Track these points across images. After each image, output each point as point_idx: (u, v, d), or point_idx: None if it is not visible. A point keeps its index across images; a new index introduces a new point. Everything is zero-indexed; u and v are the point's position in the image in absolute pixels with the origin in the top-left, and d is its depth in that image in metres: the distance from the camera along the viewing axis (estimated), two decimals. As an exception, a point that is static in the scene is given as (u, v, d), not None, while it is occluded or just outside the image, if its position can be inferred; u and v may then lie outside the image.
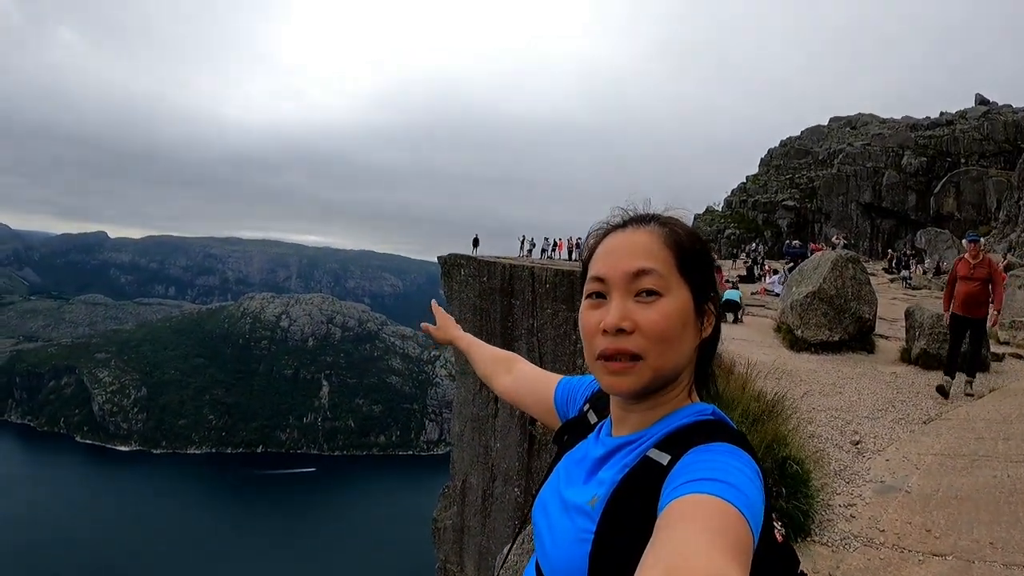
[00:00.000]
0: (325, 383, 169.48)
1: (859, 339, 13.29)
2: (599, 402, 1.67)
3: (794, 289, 14.03)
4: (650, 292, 1.34)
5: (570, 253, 40.94)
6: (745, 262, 32.17)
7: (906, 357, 12.32)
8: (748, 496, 1.12)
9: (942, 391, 9.45)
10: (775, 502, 4.81)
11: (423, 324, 2.57)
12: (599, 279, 1.40)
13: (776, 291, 20.05)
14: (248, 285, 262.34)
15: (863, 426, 7.76)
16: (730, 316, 17.05)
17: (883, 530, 5.08)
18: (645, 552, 1.06)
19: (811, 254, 22.88)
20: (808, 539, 5.00)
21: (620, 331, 1.33)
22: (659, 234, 1.40)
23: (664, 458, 1.29)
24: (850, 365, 11.91)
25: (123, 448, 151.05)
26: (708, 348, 1.45)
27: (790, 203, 63.49)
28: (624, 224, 1.46)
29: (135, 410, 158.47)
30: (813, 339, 13.06)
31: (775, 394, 6.96)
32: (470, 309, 39.70)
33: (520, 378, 2.16)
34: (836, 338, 12.96)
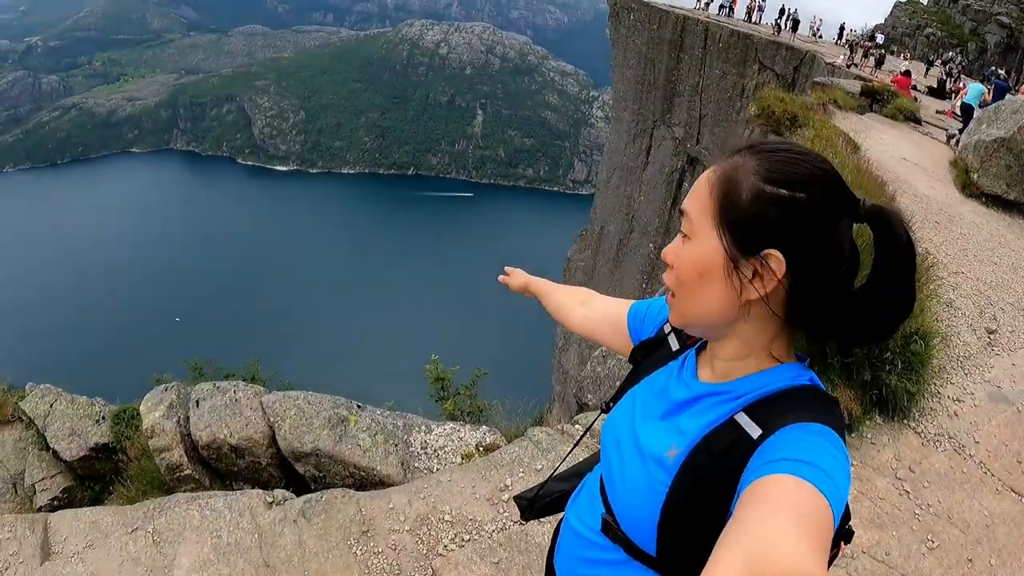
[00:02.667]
0: (479, 112, 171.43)
1: None
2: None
3: (983, 127, 12.64)
4: (683, 234, 1.37)
5: (749, 15, 37.67)
6: (940, 74, 28.70)
7: None
8: (837, 484, 1.11)
9: None
10: (888, 377, 4.83)
11: (500, 277, 2.47)
12: (680, 211, 1.41)
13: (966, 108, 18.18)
14: (407, 11, 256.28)
15: (1004, 313, 7.32)
16: None
17: (978, 442, 5.00)
18: (727, 528, 1.07)
19: (1016, 94, 20.28)
20: (904, 422, 4.97)
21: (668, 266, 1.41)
22: (715, 174, 1.33)
23: (755, 431, 1.25)
24: (1016, 231, 10.95)
25: (281, 168, 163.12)
26: (796, 312, 1.32)
27: (1005, 20, 54.08)
28: (713, 156, 1.41)
29: (293, 132, 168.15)
30: (987, 189, 11.98)
31: (927, 250, 6.70)
32: (635, 56, 38.28)
33: (594, 308, 2.09)
34: (1012, 196, 11.83)
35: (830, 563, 1.25)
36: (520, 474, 4.67)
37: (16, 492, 6.82)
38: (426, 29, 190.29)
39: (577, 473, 1.94)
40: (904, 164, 12.63)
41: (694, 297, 1.36)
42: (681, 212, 1.36)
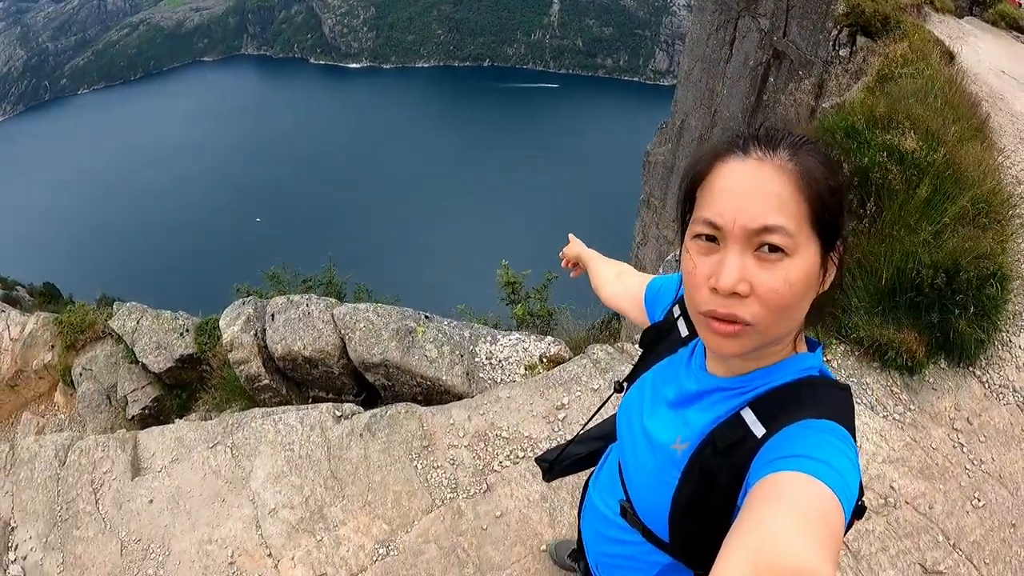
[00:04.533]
0: (556, 0, 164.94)
1: None
2: None
3: None
4: (774, 248, 1.17)
5: None
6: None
7: None
8: (847, 480, 1.09)
9: None
10: (958, 320, 4.55)
11: (560, 252, 2.45)
12: (713, 224, 1.21)
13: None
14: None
15: None
16: None
17: None
18: (735, 525, 1.06)
19: None
20: (969, 369, 4.70)
21: (734, 294, 1.18)
22: (792, 175, 1.18)
23: (759, 429, 1.24)
24: None
25: (355, 65, 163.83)
26: (827, 297, 1.29)
27: None
28: (745, 148, 1.23)
29: (364, 29, 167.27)
30: None
31: (1016, 177, 6.14)
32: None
33: (623, 282, 2.09)
34: None
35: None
36: (577, 393, 4.74)
37: (111, 403, 7.37)
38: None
39: (597, 437, 2.00)
40: (1002, 78, 11.49)
41: (792, 316, 1.23)
42: (767, 230, 1.15)
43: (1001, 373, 4.76)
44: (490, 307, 8.42)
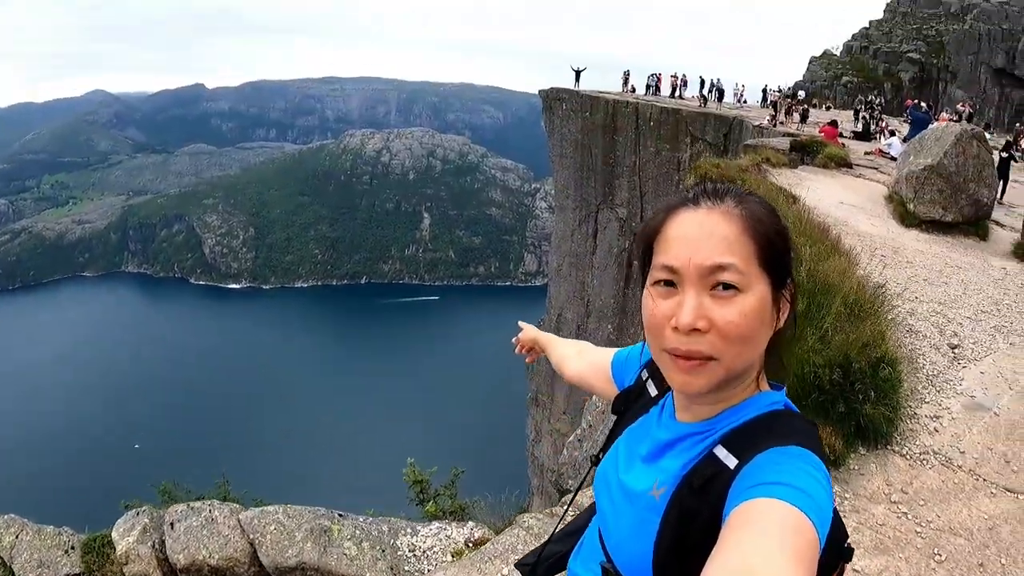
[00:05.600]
0: (426, 215, 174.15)
1: (973, 223, 12.74)
2: (659, 370, 1.52)
3: (912, 159, 13.36)
4: (728, 286, 1.25)
5: (673, 91, 39.39)
6: (862, 117, 30.15)
7: (1020, 252, 11.70)
8: (819, 503, 1.11)
9: None
10: (863, 407, 4.91)
11: (514, 339, 2.50)
12: (670, 268, 1.29)
13: (893, 154, 19.03)
14: (348, 123, 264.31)
15: (963, 328, 7.57)
16: None
17: (963, 452, 5.08)
18: (712, 555, 1.08)
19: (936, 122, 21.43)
20: (888, 448, 5.03)
21: (694, 331, 1.25)
22: (738, 219, 1.28)
23: (731, 461, 1.27)
24: (960, 251, 11.52)
25: (235, 286, 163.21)
26: (779, 337, 1.36)
27: (915, 56, 57.73)
28: (696, 201, 1.34)
29: (244, 250, 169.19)
30: (924, 216, 12.60)
31: (876, 284, 6.87)
32: (572, 144, 39.48)
33: (585, 358, 2.15)
34: (949, 219, 12.45)
35: None
36: (515, 561, 4.55)
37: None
38: (367, 139, 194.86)
39: (575, 530, 1.95)
40: (843, 207, 13.13)
41: (751, 347, 1.30)
42: (720, 268, 1.25)
43: (917, 442, 5.15)
44: (400, 507, 8.22)
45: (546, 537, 4.60)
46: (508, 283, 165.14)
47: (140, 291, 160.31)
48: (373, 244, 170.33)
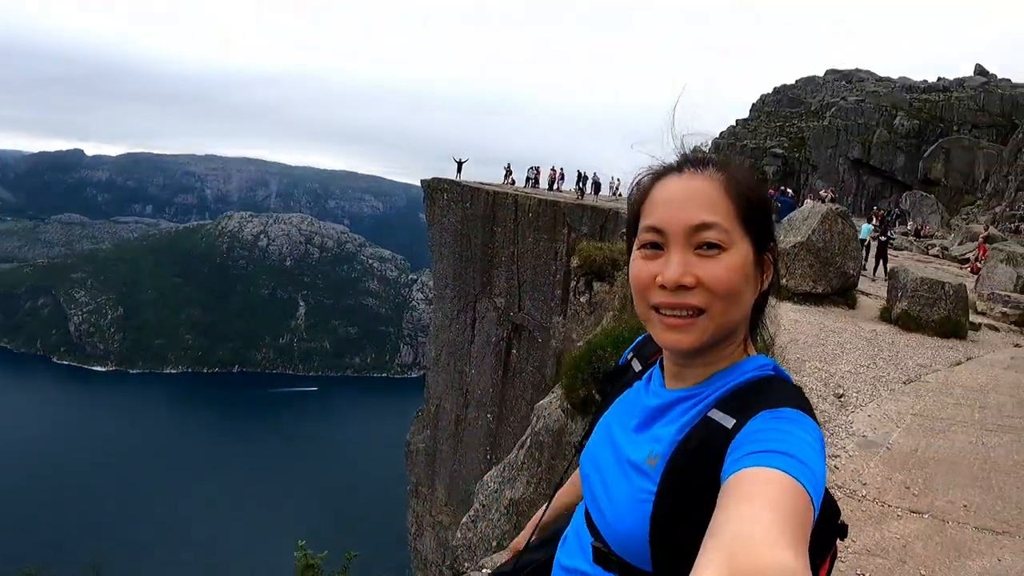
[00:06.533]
0: (302, 304, 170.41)
1: (842, 293, 13.77)
2: (643, 350, 1.66)
3: (783, 237, 14.30)
4: (712, 245, 1.28)
5: (551, 183, 40.83)
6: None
7: (886, 316, 12.85)
8: (813, 471, 1.11)
9: None
10: None
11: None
12: (656, 229, 1.33)
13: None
14: (227, 204, 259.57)
15: (846, 380, 8.12)
16: None
17: (865, 483, 5.32)
18: (709, 527, 1.06)
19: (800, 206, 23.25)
20: None
21: (681, 287, 1.28)
22: (720, 182, 1.33)
23: (728, 421, 1.26)
24: (832, 318, 12.34)
25: (100, 368, 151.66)
26: (763, 298, 1.41)
27: (778, 151, 63.69)
28: (679, 168, 1.39)
29: (112, 330, 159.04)
30: (797, 289, 13.40)
31: (761, 344, 7.19)
32: (451, 234, 39.67)
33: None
34: (820, 290, 13.37)
35: (828, 560, 1.38)
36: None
37: None
38: (245, 221, 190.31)
39: (552, 537, 1.83)
40: None
41: (738, 304, 1.32)
42: (704, 226, 1.29)
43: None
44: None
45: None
46: (384, 374, 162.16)
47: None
48: (247, 331, 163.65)
